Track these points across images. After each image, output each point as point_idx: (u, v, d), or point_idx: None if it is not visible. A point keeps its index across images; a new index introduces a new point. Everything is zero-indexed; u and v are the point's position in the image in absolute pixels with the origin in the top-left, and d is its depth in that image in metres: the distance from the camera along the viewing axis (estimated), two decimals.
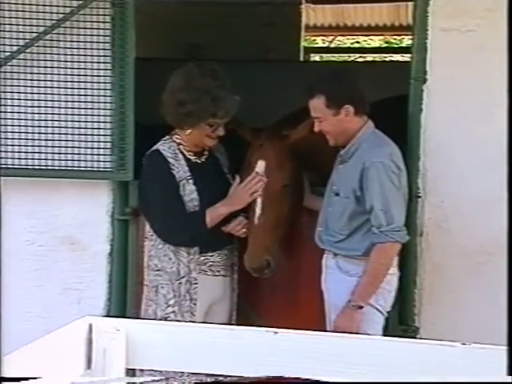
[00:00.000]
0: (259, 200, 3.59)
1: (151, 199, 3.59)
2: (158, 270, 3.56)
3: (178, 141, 3.60)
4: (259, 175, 3.55)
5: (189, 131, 3.54)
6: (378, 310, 3.48)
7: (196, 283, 3.54)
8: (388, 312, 3.57)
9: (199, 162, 3.64)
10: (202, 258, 3.58)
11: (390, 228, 3.37)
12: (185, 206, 3.52)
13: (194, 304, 3.54)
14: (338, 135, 3.51)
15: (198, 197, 3.53)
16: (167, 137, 3.62)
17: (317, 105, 3.47)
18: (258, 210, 3.59)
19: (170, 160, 3.55)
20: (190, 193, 3.53)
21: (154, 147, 3.61)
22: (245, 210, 3.63)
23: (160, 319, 3.49)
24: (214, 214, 3.51)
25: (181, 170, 3.55)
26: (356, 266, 3.47)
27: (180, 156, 3.58)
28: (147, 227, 3.66)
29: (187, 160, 3.59)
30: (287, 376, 1.85)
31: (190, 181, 3.54)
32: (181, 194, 3.52)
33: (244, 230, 3.60)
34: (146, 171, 3.64)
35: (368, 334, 3.15)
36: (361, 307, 3.39)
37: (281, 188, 3.62)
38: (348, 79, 3.56)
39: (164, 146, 3.59)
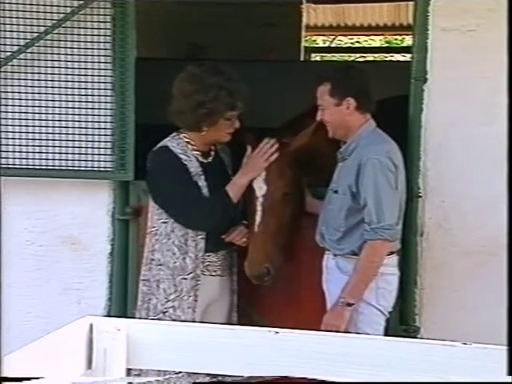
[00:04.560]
0: (259, 207, 3.58)
1: (170, 192, 3.53)
2: (160, 265, 3.54)
3: (186, 139, 3.55)
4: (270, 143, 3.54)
5: (204, 132, 3.50)
6: (379, 310, 3.47)
7: (199, 280, 3.53)
8: (390, 312, 3.57)
9: (205, 161, 3.60)
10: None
11: (381, 225, 3.35)
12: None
13: (196, 300, 3.53)
14: (337, 127, 3.51)
15: (208, 193, 3.51)
16: (174, 133, 3.58)
17: (322, 92, 3.50)
18: (258, 218, 3.58)
19: (181, 156, 3.51)
20: (202, 188, 3.51)
21: (161, 143, 3.56)
22: (246, 219, 3.62)
23: (159, 314, 3.50)
24: (235, 188, 3.52)
25: (192, 166, 3.52)
26: None
27: (189, 153, 3.54)
28: (149, 223, 3.61)
29: (195, 158, 3.56)
30: (292, 376, 1.85)
31: (202, 177, 3.53)
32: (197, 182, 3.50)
33: (244, 239, 3.59)
34: (157, 166, 3.55)
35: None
36: (350, 305, 3.37)
37: (281, 196, 3.60)
38: (358, 74, 3.56)
39: (173, 143, 3.54)
